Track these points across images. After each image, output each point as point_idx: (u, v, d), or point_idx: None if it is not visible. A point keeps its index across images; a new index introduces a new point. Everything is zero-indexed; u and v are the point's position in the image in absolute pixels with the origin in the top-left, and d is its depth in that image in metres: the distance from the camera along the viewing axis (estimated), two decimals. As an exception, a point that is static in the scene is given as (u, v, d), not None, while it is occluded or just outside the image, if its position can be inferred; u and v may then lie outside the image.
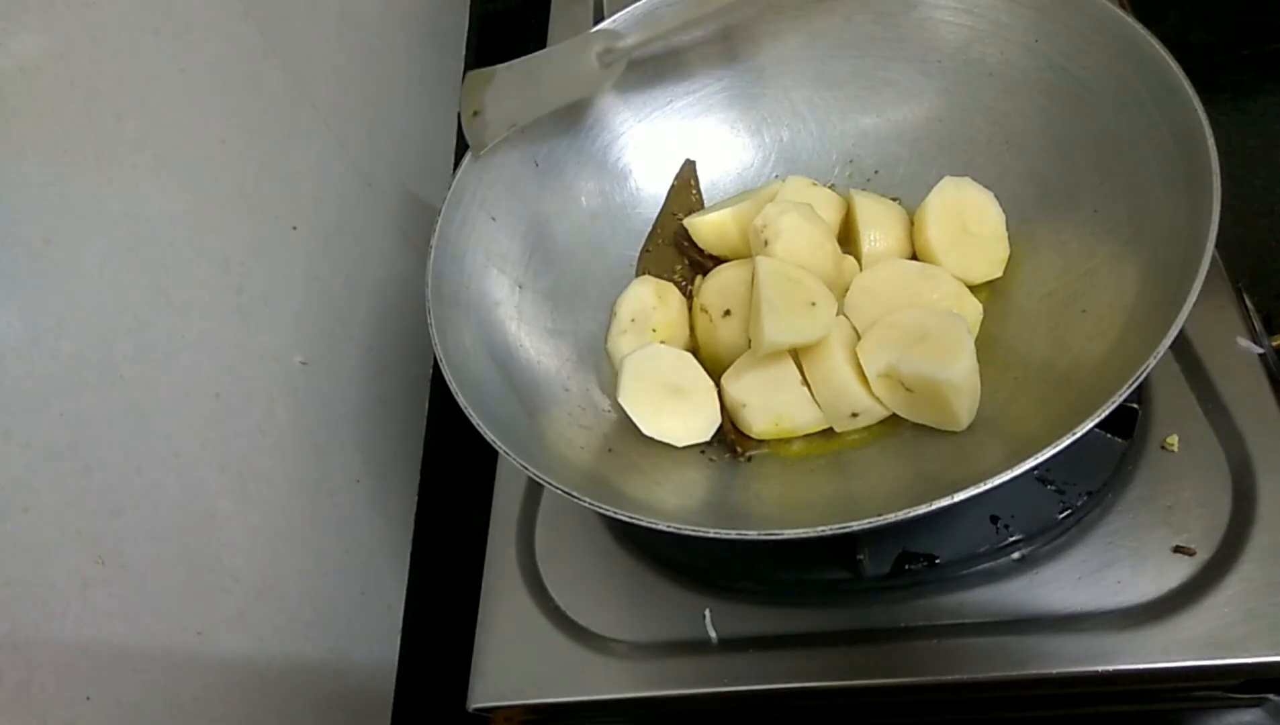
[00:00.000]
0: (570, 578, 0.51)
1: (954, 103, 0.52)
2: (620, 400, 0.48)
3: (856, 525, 0.35)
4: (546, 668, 0.48)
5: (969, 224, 0.49)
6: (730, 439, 0.48)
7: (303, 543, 0.52)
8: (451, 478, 0.69)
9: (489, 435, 0.41)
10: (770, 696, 0.46)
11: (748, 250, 0.51)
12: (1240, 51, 0.84)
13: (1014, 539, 0.45)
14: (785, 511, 0.44)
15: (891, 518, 0.34)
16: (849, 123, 0.56)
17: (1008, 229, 0.49)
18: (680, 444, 0.48)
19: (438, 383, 0.72)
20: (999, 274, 0.49)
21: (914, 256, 0.51)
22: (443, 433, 0.70)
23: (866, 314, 0.48)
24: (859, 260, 0.51)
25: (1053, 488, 0.45)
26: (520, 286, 0.52)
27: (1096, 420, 0.34)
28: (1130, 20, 0.43)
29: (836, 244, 0.50)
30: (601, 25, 0.54)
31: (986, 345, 0.46)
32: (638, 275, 0.56)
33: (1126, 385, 0.34)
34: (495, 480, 0.57)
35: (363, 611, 0.57)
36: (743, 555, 0.48)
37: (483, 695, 0.48)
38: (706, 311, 0.51)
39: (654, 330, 0.52)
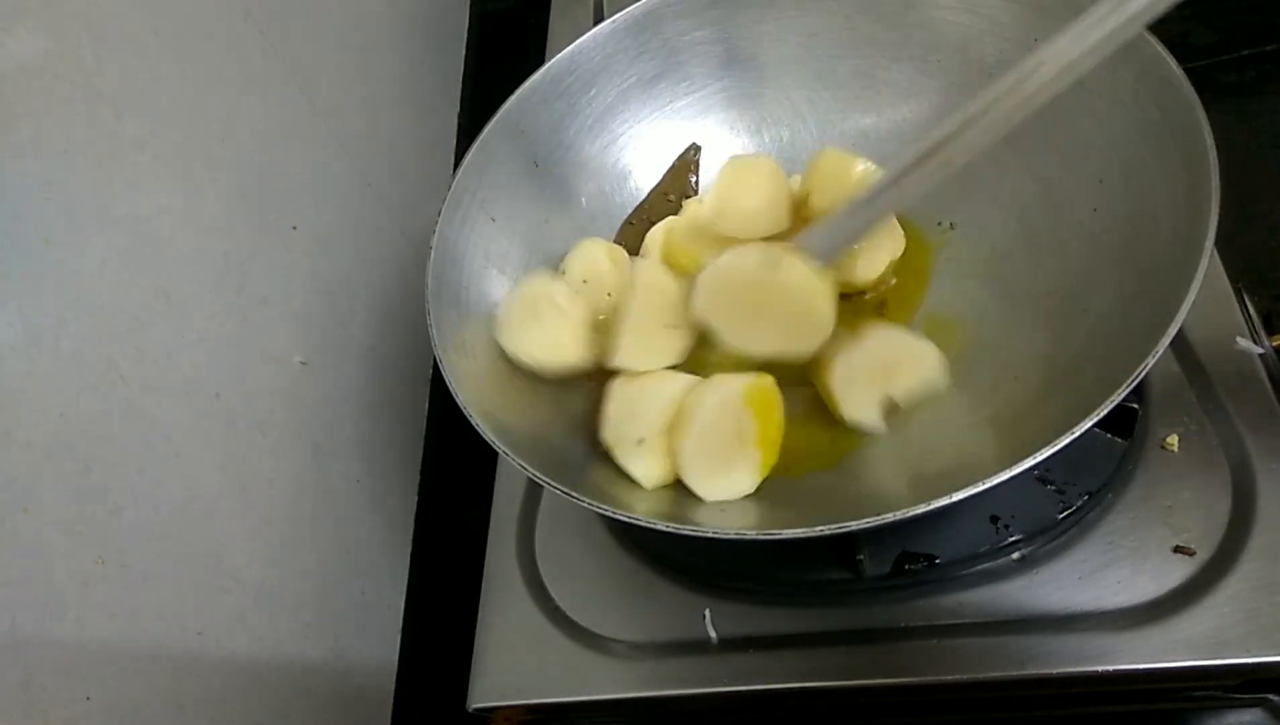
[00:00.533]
0: (570, 578, 0.51)
1: (954, 103, 0.52)
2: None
3: (856, 525, 0.35)
4: (546, 668, 0.48)
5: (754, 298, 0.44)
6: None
7: (303, 543, 0.52)
8: (451, 478, 0.69)
9: (488, 435, 0.41)
10: (770, 696, 0.46)
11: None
12: (1240, 51, 0.84)
13: (1014, 539, 0.45)
14: (786, 511, 0.44)
15: (891, 518, 0.34)
16: (849, 123, 0.56)
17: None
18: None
19: (438, 383, 0.72)
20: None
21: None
22: (443, 433, 0.70)
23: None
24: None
25: (1053, 488, 0.45)
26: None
27: (1096, 419, 0.34)
28: (1130, 20, 0.43)
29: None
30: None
31: (986, 345, 0.46)
32: (617, 241, 0.56)
33: (1126, 385, 0.34)
34: (495, 480, 0.57)
35: (363, 611, 0.57)
36: (743, 555, 0.48)
37: (483, 695, 0.48)
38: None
39: (609, 294, 0.51)
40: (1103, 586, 0.43)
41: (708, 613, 0.48)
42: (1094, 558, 0.44)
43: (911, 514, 0.34)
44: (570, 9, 0.80)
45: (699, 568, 0.49)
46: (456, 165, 0.52)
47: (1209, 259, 0.36)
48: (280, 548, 0.50)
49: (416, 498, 0.67)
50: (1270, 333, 0.49)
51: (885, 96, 0.55)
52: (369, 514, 0.60)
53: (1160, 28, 0.42)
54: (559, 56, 0.55)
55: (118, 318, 0.41)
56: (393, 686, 0.59)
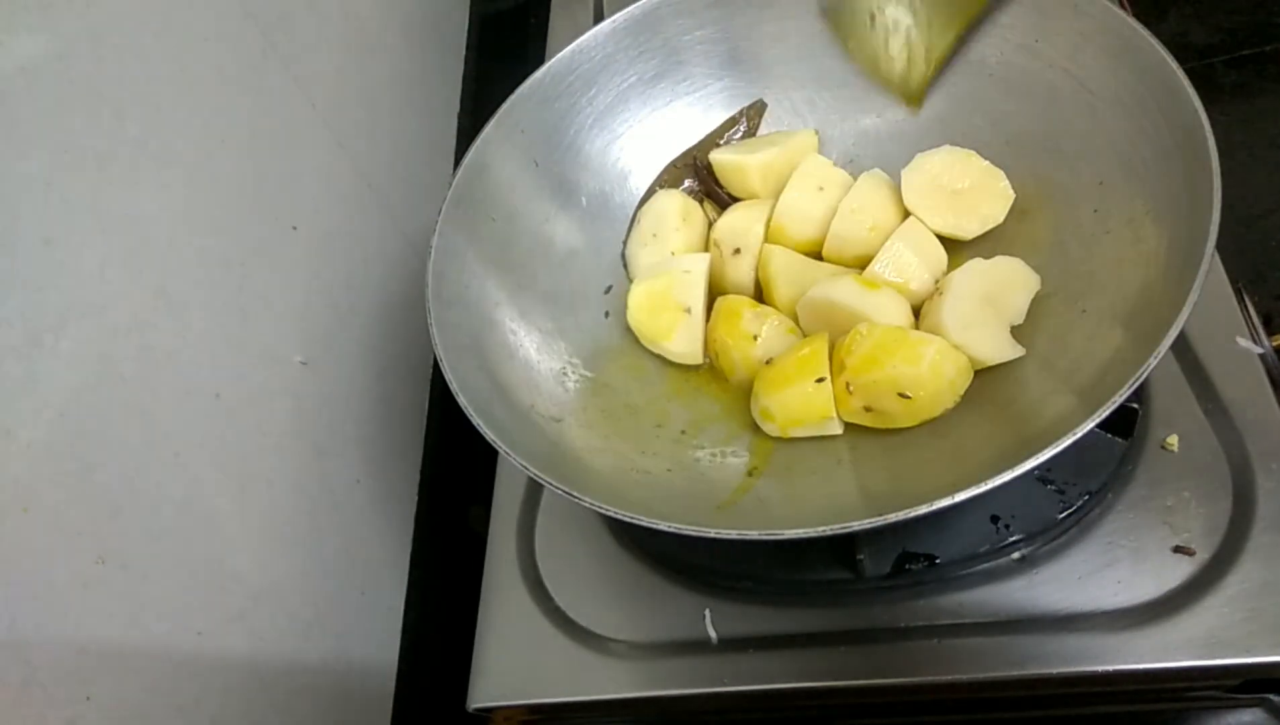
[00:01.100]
0: (570, 578, 0.51)
1: (954, 103, 0.52)
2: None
3: (856, 525, 0.35)
4: (546, 668, 0.48)
5: (951, 182, 0.49)
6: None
7: (303, 543, 0.52)
8: (451, 478, 0.69)
9: (489, 435, 0.41)
10: (770, 696, 0.46)
11: (763, 195, 0.55)
12: (1240, 51, 0.85)
13: (1014, 539, 0.45)
14: (785, 511, 0.44)
15: (891, 518, 0.34)
16: (849, 123, 0.56)
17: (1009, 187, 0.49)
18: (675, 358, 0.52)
19: (438, 383, 0.72)
20: (1000, 219, 0.49)
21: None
22: (443, 433, 0.70)
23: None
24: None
25: (1053, 488, 0.45)
26: (520, 286, 0.52)
27: (1097, 420, 0.34)
28: (1130, 20, 0.43)
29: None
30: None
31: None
32: (660, 179, 0.58)
33: (1127, 386, 0.34)
34: (495, 480, 0.57)
35: (363, 611, 0.57)
36: (743, 555, 0.48)
37: (483, 695, 0.48)
38: (719, 246, 0.54)
39: (672, 253, 0.54)
40: (1103, 586, 0.43)
41: (708, 613, 0.48)
42: (1094, 558, 0.44)
43: (912, 514, 0.34)
44: (570, 9, 0.80)
45: (699, 568, 0.49)
46: (456, 165, 0.52)
47: (1210, 259, 0.36)
48: (280, 548, 0.50)
49: (416, 498, 0.67)
50: (1270, 333, 0.49)
51: (885, 96, 0.55)
52: (369, 514, 0.60)
53: (1160, 28, 0.42)
54: (559, 56, 0.55)
55: (118, 318, 0.41)
56: (393, 686, 0.59)
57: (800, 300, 0.49)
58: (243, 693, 0.45)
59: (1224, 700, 0.46)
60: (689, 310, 0.51)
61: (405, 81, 0.77)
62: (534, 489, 0.56)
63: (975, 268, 0.46)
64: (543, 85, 0.54)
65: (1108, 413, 0.34)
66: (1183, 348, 0.49)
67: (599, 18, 0.62)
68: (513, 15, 0.97)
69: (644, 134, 0.58)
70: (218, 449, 0.46)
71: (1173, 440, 0.46)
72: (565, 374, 0.51)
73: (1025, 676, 0.42)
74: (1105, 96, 0.45)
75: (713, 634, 0.47)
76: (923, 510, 0.34)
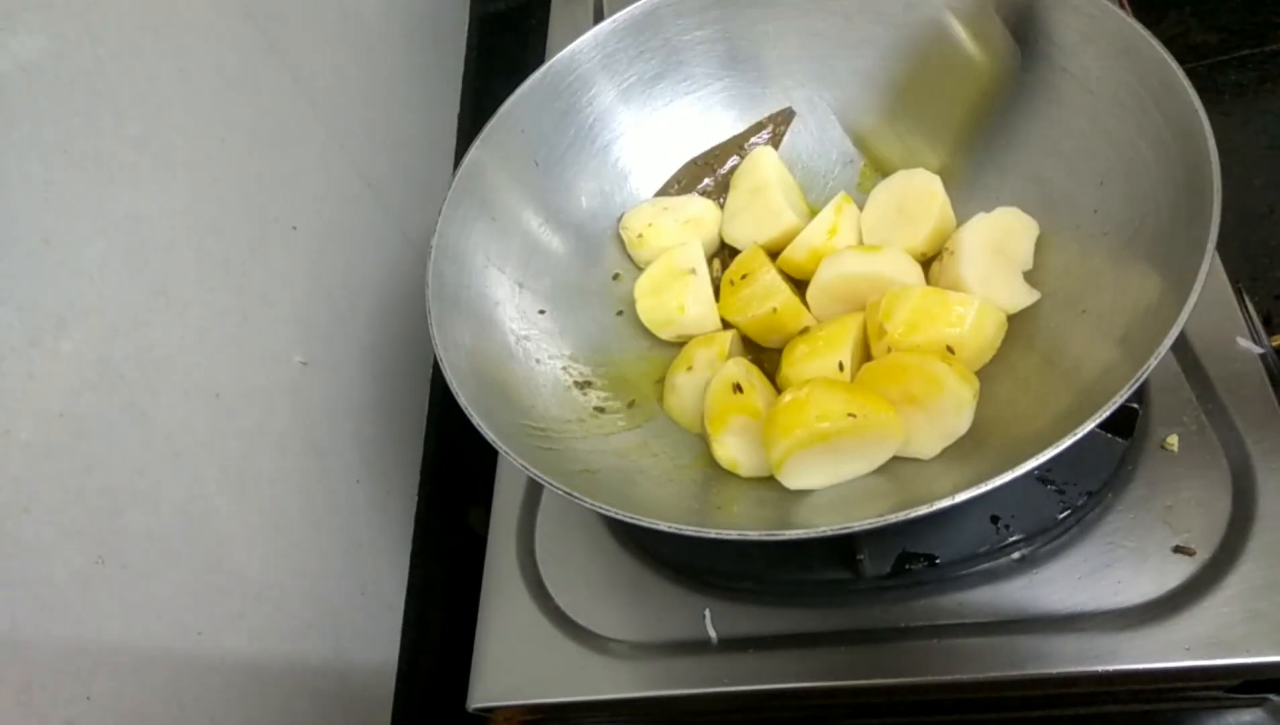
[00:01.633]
0: (570, 578, 0.51)
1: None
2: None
3: (857, 525, 0.35)
4: (546, 668, 0.48)
5: (1004, 248, 0.48)
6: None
7: (303, 543, 0.52)
8: (451, 478, 0.69)
9: (489, 435, 0.41)
10: (770, 696, 0.46)
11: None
12: (1240, 51, 0.85)
13: (1014, 539, 0.45)
14: (786, 511, 0.44)
15: (891, 518, 0.34)
16: (849, 122, 0.56)
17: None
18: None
19: (438, 383, 0.72)
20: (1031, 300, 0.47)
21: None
22: (443, 433, 0.70)
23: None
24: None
25: (1053, 488, 0.45)
26: (520, 286, 0.52)
27: (1097, 421, 0.34)
28: (1130, 20, 0.43)
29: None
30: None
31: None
32: (677, 178, 0.59)
33: (1128, 386, 0.34)
34: (495, 480, 0.57)
35: (363, 611, 0.57)
36: (743, 555, 0.48)
37: (483, 695, 0.48)
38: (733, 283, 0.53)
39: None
40: (1103, 586, 0.43)
41: (708, 613, 0.48)
42: (1094, 558, 0.44)
43: (912, 514, 0.34)
44: (570, 9, 0.80)
45: (699, 568, 0.49)
46: (456, 165, 0.52)
47: (1210, 259, 0.36)
48: (280, 548, 0.50)
49: (416, 498, 0.67)
50: (1270, 333, 0.49)
51: (886, 97, 0.55)
52: (369, 514, 0.60)
53: (1160, 28, 0.42)
54: (559, 56, 0.55)
55: (118, 318, 0.41)
56: (393, 686, 0.59)
57: (810, 289, 0.50)
58: (242, 693, 0.45)
59: (1224, 700, 0.46)
60: (693, 270, 0.53)
61: (405, 81, 0.77)
62: (534, 489, 0.56)
63: (980, 222, 0.48)
64: (542, 86, 0.54)
65: (1108, 413, 0.34)
66: (1183, 348, 0.49)
67: (599, 18, 0.62)
68: (513, 15, 0.97)
69: (644, 134, 0.58)
70: (218, 449, 0.46)
71: (1173, 440, 0.46)
72: (565, 374, 0.51)
73: (1025, 676, 0.42)
74: (1105, 96, 0.45)
75: (713, 634, 0.47)
76: (923, 510, 0.34)
